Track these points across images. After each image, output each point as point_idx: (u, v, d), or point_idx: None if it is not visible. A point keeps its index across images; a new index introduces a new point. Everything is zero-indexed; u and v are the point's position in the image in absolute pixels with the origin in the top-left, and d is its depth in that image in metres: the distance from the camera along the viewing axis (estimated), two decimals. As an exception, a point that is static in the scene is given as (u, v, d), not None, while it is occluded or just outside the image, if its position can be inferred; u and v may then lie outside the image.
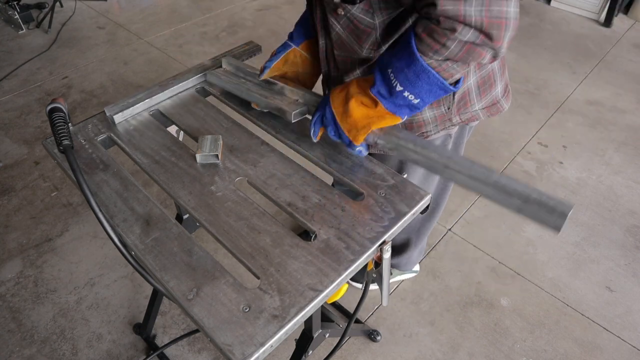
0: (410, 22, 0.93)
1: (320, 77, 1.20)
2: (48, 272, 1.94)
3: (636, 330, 1.77)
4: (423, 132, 1.12)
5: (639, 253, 2.04)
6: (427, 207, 0.96)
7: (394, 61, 0.83)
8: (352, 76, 1.07)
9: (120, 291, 1.88)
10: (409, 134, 0.93)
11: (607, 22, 3.63)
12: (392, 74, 0.84)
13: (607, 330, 1.78)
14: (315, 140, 1.03)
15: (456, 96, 1.06)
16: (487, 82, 1.09)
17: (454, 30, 0.75)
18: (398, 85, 0.83)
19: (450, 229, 2.12)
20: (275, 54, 1.13)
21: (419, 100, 0.85)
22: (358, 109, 0.91)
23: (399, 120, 0.91)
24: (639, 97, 2.94)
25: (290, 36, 1.15)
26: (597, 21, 3.72)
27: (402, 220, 0.91)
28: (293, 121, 1.06)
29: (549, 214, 0.78)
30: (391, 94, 0.86)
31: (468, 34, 0.75)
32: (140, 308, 1.82)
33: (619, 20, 3.73)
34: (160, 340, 1.73)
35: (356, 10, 0.91)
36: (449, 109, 1.07)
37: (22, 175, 2.35)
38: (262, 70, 1.13)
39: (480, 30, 0.74)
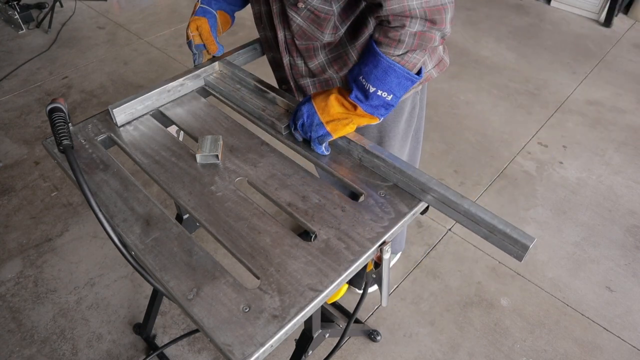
0: (360, 8, 1.04)
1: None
2: (48, 272, 1.94)
3: (636, 330, 1.77)
4: None
5: (639, 253, 2.04)
6: (427, 207, 0.96)
7: (363, 68, 0.93)
8: (317, 61, 1.15)
9: (120, 291, 1.88)
10: (390, 155, 0.99)
11: (607, 22, 3.63)
12: (363, 79, 0.93)
13: (607, 330, 1.78)
14: (298, 138, 1.07)
15: None
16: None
17: (403, 25, 0.86)
18: (370, 87, 0.92)
19: (450, 229, 2.12)
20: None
21: (392, 95, 0.93)
22: (339, 106, 0.98)
23: (376, 121, 0.99)
24: (639, 97, 2.94)
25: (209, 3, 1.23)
26: (597, 21, 3.72)
27: (402, 221, 0.91)
28: (284, 133, 1.09)
29: (513, 244, 0.85)
30: (367, 97, 0.94)
31: (416, 25, 0.86)
32: (140, 308, 1.82)
33: (619, 20, 3.73)
34: (160, 340, 1.73)
35: (315, 1, 1.00)
36: None
37: (22, 175, 2.35)
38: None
39: (425, 19, 0.86)
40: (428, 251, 2.04)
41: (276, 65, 1.29)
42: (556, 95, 2.94)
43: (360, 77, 0.93)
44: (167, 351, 1.69)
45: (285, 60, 1.19)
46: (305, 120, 1.01)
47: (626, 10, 3.81)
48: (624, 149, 2.57)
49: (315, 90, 1.24)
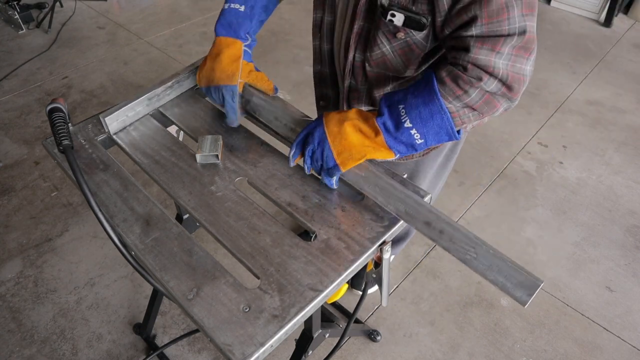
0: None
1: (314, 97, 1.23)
2: (48, 272, 1.94)
3: (636, 330, 1.77)
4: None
5: (639, 253, 2.04)
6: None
7: (410, 97, 0.83)
8: (383, 90, 1.04)
9: (120, 291, 1.88)
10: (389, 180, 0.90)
11: (607, 22, 3.63)
12: (403, 110, 0.83)
13: (607, 330, 1.78)
14: (291, 164, 0.97)
15: None
16: None
17: (480, 79, 0.78)
18: (408, 121, 0.83)
19: (450, 229, 2.12)
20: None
21: (423, 140, 0.84)
22: (354, 134, 0.87)
23: (392, 157, 0.89)
24: (639, 97, 2.94)
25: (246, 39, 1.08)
26: (597, 21, 3.72)
27: (403, 221, 0.90)
28: (291, 165, 1.00)
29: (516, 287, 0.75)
30: (397, 128, 0.84)
31: (492, 85, 0.79)
32: (140, 308, 1.82)
33: (619, 20, 3.73)
34: (160, 340, 1.73)
35: (419, 36, 0.90)
36: None
37: (22, 175, 2.35)
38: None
39: (504, 82, 0.79)
40: (428, 251, 2.04)
41: (323, 81, 1.19)
42: (556, 95, 2.94)
43: (401, 106, 0.84)
44: (167, 351, 1.69)
45: (347, 82, 1.08)
46: (316, 147, 0.90)
47: (626, 10, 3.81)
48: (624, 149, 2.57)
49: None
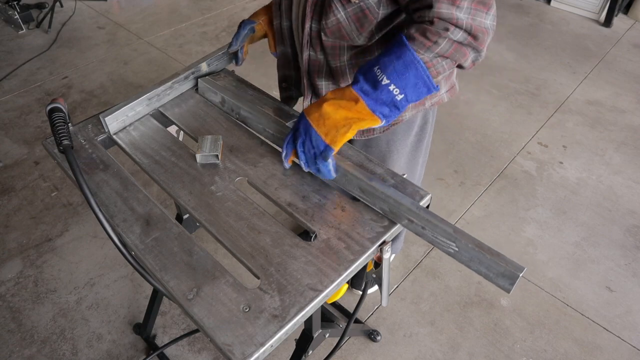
0: (399, 18, 1.01)
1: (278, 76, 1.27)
2: (48, 272, 1.94)
3: (636, 330, 1.77)
4: (398, 119, 1.20)
5: (639, 253, 2.04)
6: (427, 207, 0.96)
7: (382, 58, 0.87)
8: (339, 61, 1.09)
9: (120, 291, 1.88)
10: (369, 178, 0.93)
11: (607, 22, 3.63)
12: (379, 70, 0.86)
13: (607, 330, 1.78)
14: (286, 166, 0.99)
15: None
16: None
17: (446, 29, 0.83)
18: (384, 78, 0.85)
19: (450, 229, 2.12)
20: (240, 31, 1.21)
21: (403, 95, 0.86)
22: (335, 111, 0.89)
23: (378, 123, 0.90)
24: (639, 97, 2.94)
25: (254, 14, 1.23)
26: (597, 21, 3.72)
27: (405, 220, 0.90)
28: (286, 167, 1.04)
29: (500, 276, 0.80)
30: (375, 87, 0.86)
31: (459, 35, 0.84)
32: (140, 308, 1.82)
33: (619, 20, 3.73)
34: (160, 340, 1.73)
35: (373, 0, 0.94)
36: None
37: (22, 175, 2.35)
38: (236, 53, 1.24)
39: (469, 32, 0.85)
40: (428, 251, 2.04)
41: (285, 61, 1.23)
42: (556, 95, 2.94)
43: (376, 67, 0.87)
44: (167, 351, 1.69)
45: (305, 54, 1.10)
46: (305, 138, 0.92)
47: (626, 10, 3.81)
48: (624, 149, 2.57)
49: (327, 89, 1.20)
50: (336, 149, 0.91)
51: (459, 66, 0.92)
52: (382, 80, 0.86)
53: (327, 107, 0.89)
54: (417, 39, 0.85)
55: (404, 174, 1.01)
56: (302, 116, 0.94)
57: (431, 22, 0.84)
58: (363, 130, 1.21)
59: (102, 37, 3.46)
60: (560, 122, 2.74)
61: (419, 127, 1.31)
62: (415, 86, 0.86)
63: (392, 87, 0.86)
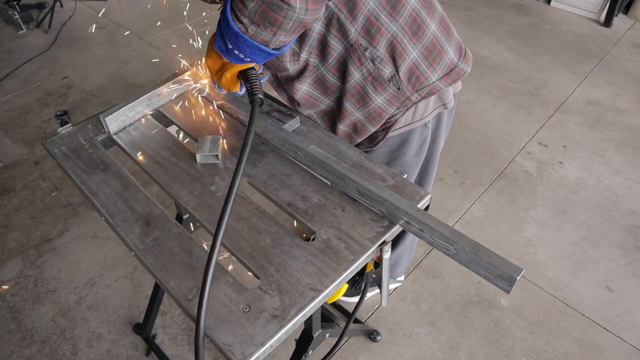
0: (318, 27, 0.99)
1: None
2: (48, 272, 1.94)
3: (636, 330, 1.77)
4: (389, 119, 1.12)
5: (639, 253, 2.04)
6: (427, 207, 0.96)
7: (221, 20, 0.84)
8: (300, 92, 1.12)
9: (120, 291, 1.88)
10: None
11: (607, 22, 3.63)
12: (223, 31, 0.85)
13: (607, 330, 1.78)
14: (222, 93, 1.09)
15: (401, 75, 1.04)
16: (433, 51, 1.05)
17: None
18: (229, 43, 0.85)
19: (450, 229, 2.12)
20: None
21: (249, 58, 0.87)
22: (214, 64, 0.95)
23: (248, 65, 0.93)
24: (639, 97, 2.94)
25: None
26: (597, 21, 3.72)
27: (402, 221, 0.90)
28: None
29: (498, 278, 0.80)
30: (227, 50, 0.88)
31: None
32: (140, 308, 1.82)
33: (619, 20, 3.73)
34: (160, 340, 1.73)
35: None
36: (399, 89, 1.06)
37: (22, 175, 2.35)
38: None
39: None
40: (428, 251, 2.04)
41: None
42: (556, 95, 2.94)
43: (221, 26, 0.85)
44: (167, 351, 1.69)
45: (283, 96, 1.18)
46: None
47: (626, 10, 3.81)
48: (624, 149, 2.57)
49: (322, 122, 1.21)
50: (234, 90, 0.98)
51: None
52: (227, 44, 0.86)
53: (208, 61, 0.97)
54: None
55: (404, 174, 1.01)
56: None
57: None
58: (369, 139, 1.19)
59: (102, 37, 3.46)
60: (560, 122, 2.74)
61: (417, 146, 1.23)
62: (254, 53, 0.85)
63: (237, 52, 0.86)
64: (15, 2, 3.44)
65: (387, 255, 0.89)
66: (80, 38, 3.44)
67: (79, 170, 1.00)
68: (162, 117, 1.16)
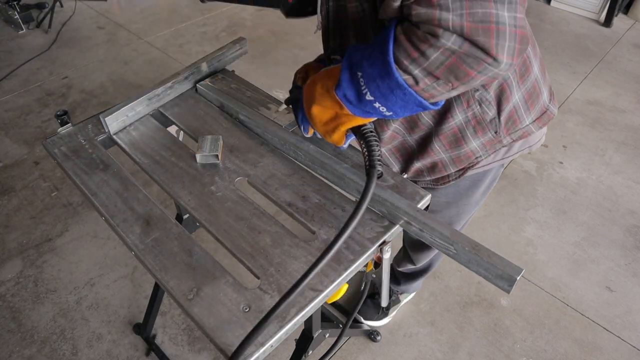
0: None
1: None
2: (48, 272, 1.94)
3: (636, 330, 1.77)
4: (472, 160, 1.03)
5: (639, 253, 2.04)
6: (427, 207, 0.96)
7: (366, 65, 0.70)
8: (389, 130, 1.02)
9: (120, 291, 1.88)
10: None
11: (607, 22, 3.63)
12: (362, 79, 0.71)
13: (607, 330, 1.78)
14: (307, 135, 0.97)
15: (502, 118, 0.97)
16: (533, 94, 0.98)
17: (434, 34, 0.62)
18: (368, 94, 0.72)
19: (450, 229, 2.12)
20: None
21: (391, 113, 0.74)
22: (322, 113, 0.82)
23: (369, 120, 0.83)
24: (639, 97, 2.94)
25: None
26: (597, 21, 3.72)
27: (402, 220, 0.90)
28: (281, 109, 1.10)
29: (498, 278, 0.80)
30: (360, 100, 0.74)
31: (451, 40, 0.61)
32: (140, 308, 1.82)
33: (619, 20, 3.73)
34: (160, 340, 1.73)
35: None
36: (496, 132, 0.99)
37: (22, 175, 2.35)
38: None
39: (463, 36, 0.61)
40: (428, 251, 2.04)
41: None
42: (556, 95, 2.93)
43: (359, 74, 0.71)
44: (167, 351, 1.69)
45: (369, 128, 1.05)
46: (299, 111, 0.90)
47: (626, 10, 3.81)
48: (624, 149, 2.57)
49: (394, 158, 1.11)
50: (339, 145, 0.88)
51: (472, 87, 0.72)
52: (366, 94, 0.72)
53: (314, 110, 0.83)
54: (402, 44, 0.65)
55: (461, 214, 0.94)
56: (302, 101, 0.88)
57: (417, 25, 0.64)
58: (437, 178, 1.10)
59: (102, 37, 3.46)
60: (560, 122, 2.74)
61: (486, 186, 1.15)
62: (405, 108, 0.72)
63: (377, 105, 0.73)
64: (15, 2, 3.44)
65: (387, 255, 0.89)
66: (80, 38, 3.44)
67: (79, 170, 1.00)
68: (162, 117, 1.16)
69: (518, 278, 0.75)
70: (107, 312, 1.81)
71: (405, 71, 0.66)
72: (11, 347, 1.71)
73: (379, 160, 0.80)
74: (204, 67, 1.22)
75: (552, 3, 3.90)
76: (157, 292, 1.56)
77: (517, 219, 2.18)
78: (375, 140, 0.81)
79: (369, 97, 0.72)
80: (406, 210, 0.86)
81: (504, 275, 0.77)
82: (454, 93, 0.70)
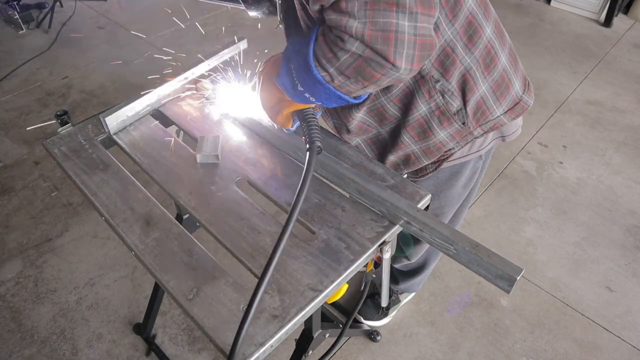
0: None
1: None
2: (48, 272, 1.94)
3: (636, 330, 1.77)
4: (446, 152, 1.05)
5: (639, 253, 2.04)
6: (427, 207, 0.96)
7: (294, 59, 0.79)
8: (355, 120, 1.06)
9: (120, 291, 1.88)
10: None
11: (607, 22, 3.63)
12: (294, 71, 0.80)
13: (607, 330, 1.78)
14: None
15: (469, 109, 0.98)
16: (501, 85, 1.00)
17: (342, 39, 0.70)
18: (299, 85, 0.80)
19: (450, 229, 2.12)
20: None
21: (320, 102, 0.82)
22: (270, 97, 0.91)
23: (309, 105, 0.90)
24: (639, 97, 2.94)
25: None
26: (597, 21, 3.72)
27: (402, 220, 0.90)
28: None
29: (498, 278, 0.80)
30: (294, 89, 0.82)
31: (354, 46, 0.69)
32: (140, 308, 1.82)
33: (619, 20, 3.73)
34: (160, 340, 1.73)
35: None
36: (464, 124, 1.00)
37: (22, 175, 2.35)
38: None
39: (363, 42, 0.68)
40: (428, 251, 2.04)
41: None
42: (556, 95, 2.94)
43: (292, 65, 0.80)
44: (167, 351, 1.69)
45: (330, 124, 1.11)
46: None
47: (626, 10, 3.81)
48: (624, 149, 2.57)
49: (370, 150, 1.13)
50: (286, 127, 0.96)
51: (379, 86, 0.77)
52: (297, 84, 0.80)
53: (263, 93, 0.92)
54: (320, 44, 0.74)
55: (444, 207, 0.96)
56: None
57: (329, 28, 0.72)
58: (415, 171, 1.12)
59: (102, 37, 3.46)
60: (560, 122, 2.74)
61: (466, 178, 1.17)
62: (328, 99, 0.80)
63: (307, 95, 0.81)
64: (15, 2, 3.44)
65: (387, 255, 0.89)
66: (80, 38, 3.44)
67: (79, 170, 1.00)
68: (162, 117, 1.16)
69: (518, 278, 0.75)
70: (107, 312, 1.81)
71: (323, 68, 0.74)
72: (11, 347, 1.71)
73: (317, 137, 0.87)
74: (204, 67, 1.23)
75: (552, 3, 3.90)
76: (157, 292, 1.56)
77: (517, 219, 2.18)
78: (314, 119, 0.89)
79: (300, 87, 0.80)
80: (406, 210, 0.86)
81: (504, 275, 0.77)
82: (370, 90, 0.78)
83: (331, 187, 0.98)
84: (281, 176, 1.00)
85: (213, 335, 0.74)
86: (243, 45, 1.31)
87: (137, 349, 1.71)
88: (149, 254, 0.85)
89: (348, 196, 0.96)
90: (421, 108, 0.97)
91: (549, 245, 2.07)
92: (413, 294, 1.85)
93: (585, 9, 3.76)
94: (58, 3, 3.66)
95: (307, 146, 0.86)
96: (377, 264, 0.93)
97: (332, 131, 1.13)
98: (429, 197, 0.95)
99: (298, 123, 0.95)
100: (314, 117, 0.90)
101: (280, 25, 0.97)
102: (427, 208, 0.96)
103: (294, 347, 1.28)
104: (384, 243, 0.88)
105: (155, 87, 1.14)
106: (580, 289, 1.91)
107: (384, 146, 1.11)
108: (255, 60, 1.10)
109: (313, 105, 0.90)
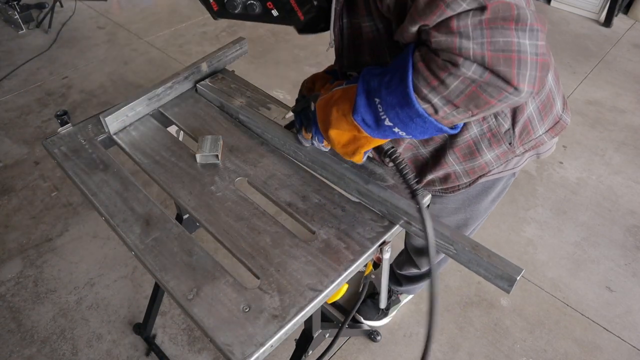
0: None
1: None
2: (48, 272, 1.94)
3: (636, 330, 1.77)
4: (486, 172, 1.02)
5: (639, 253, 2.04)
6: (427, 207, 0.96)
7: (384, 93, 0.69)
8: (403, 143, 1.01)
9: (120, 291, 1.88)
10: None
11: (607, 22, 3.63)
12: (380, 105, 0.71)
13: (607, 330, 1.78)
14: (324, 150, 0.97)
15: (516, 130, 0.95)
16: (547, 104, 0.97)
17: (454, 63, 0.61)
18: (387, 120, 0.71)
19: (450, 229, 2.12)
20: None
21: (410, 136, 0.74)
22: (341, 136, 0.82)
23: (386, 140, 0.82)
24: (639, 97, 2.94)
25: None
26: (597, 21, 3.72)
27: (402, 220, 0.90)
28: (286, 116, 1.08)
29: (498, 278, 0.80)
30: (378, 125, 0.74)
31: (471, 69, 0.60)
32: (140, 308, 1.82)
33: (619, 20, 3.73)
34: (160, 340, 1.73)
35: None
36: (510, 144, 0.97)
37: (22, 175, 2.35)
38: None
39: (483, 64, 0.60)
40: (428, 251, 2.03)
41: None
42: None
43: (377, 100, 0.70)
44: (167, 351, 1.69)
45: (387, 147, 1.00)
46: (312, 125, 0.89)
47: (626, 10, 3.81)
48: (624, 149, 2.57)
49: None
50: (359, 162, 0.87)
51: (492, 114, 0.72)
52: (384, 119, 0.71)
53: (332, 133, 0.82)
54: (421, 72, 0.64)
55: (468, 220, 0.95)
56: (315, 119, 0.87)
57: (436, 52, 0.62)
58: (446, 187, 1.08)
59: (102, 37, 3.46)
60: (560, 122, 2.74)
61: (496, 193, 1.13)
62: (424, 133, 0.71)
63: (396, 130, 0.72)
64: (15, 2, 3.44)
65: (387, 255, 0.89)
66: (80, 38, 3.44)
67: (79, 170, 1.01)
68: (162, 117, 1.16)
69: (518, 278, 0.75)
70: (107, 312, 1.81)
71: (425, 99, 0.65)
72: (11, 347, 1.71)
73: (415, 183, 0.80)
74: (204, 67, 1.22)
75: (552, 3, 3.90)
76: (157, 292, 1.56)
77: (517, 219, 2.18)
78: (404, 161, 0.81)
79: (387, 122, 0.71)
80: (406, 210, 0.86)
81: (504, 275, 0.77)
82: (473, 119, 0.70)
83: (331, 187, 0.98)
84: (281, 176, 1.00)
85: (213, 335, 0.74)
86: (243, 45, 1.31)
87: (137, 349, 1.71)
88: (148, 254, 0.85)
89: (348, 196, 0.96)
90: (473, 130, 0.94)
91: (549, 245, 2.07)
92: (409, 297, 1.86)
93: (585, 9, 3.76)
94: (58, 3, 3.66)
95: (412, 194, 0.78)
96: (377, 264, 0.93)
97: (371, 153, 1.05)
98: (429, 197, 0.95)
99: (369, 151, 0.87)
100: (399, 155, 0.81)
101: (331, 47, 0.91)
102: (427, 207, 0.96)
103: (294, 347, 1.28)
104: (384, 243, 0.88)
105: (155, 87, 1.14)
106: (580, 289, 1.91)
107: (423, 165, 1.06)
108: (253, 60, 1.10)
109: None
